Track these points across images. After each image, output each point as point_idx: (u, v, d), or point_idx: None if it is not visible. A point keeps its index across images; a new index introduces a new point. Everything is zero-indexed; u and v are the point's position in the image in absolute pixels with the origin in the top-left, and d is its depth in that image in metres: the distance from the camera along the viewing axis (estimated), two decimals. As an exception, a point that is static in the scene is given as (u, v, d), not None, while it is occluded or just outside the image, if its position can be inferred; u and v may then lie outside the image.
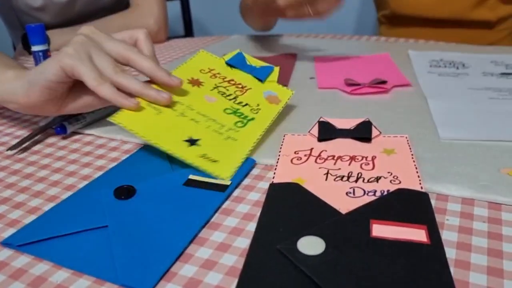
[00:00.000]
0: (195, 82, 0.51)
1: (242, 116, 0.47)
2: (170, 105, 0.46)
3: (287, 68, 0.71)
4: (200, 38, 1.01)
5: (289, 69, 0.71)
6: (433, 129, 0.48)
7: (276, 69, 0.55)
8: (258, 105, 0.49)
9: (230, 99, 0.49)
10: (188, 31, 1.49)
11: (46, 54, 0.62)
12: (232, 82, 0.52)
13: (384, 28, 1.05)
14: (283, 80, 0.65)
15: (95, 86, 0.44)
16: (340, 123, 0.48)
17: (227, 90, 0.50)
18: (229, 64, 0.55)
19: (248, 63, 0.55)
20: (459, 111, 0.52)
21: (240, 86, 0.52)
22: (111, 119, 0.43)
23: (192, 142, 0.42)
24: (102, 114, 0.55)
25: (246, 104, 0.49)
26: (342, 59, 0.75)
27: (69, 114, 0.55)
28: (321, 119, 0.48)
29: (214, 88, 0.50)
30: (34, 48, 0.61)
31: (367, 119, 0.47)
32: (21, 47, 0.95)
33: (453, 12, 0.93)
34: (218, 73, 0.53)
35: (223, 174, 0.39)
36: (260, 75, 0.53)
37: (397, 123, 0.50)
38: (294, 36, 0.97)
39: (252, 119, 0.47)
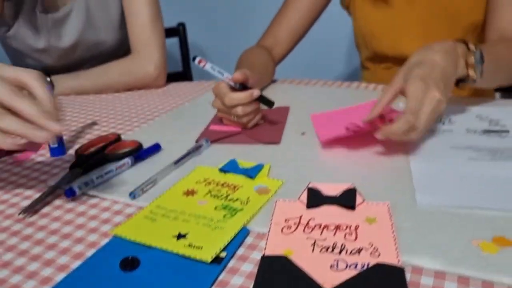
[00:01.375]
0: (190, 193, 0.55)
1: (232, 209, 0.51)
2: (164, 213, 0.50)
3: (279, 125, 0.75)
4: (197, 83, 1.06)
5: (281, 125, 0.75)
6: (413, 194, 0.52)
7: (266, 166, 0.59)
8: (248, 197, 0.53)
9: (221, 199, 0.53)
10: (186, 66, 1.54)
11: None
12: (225, 185, 0.56)
13: (367, 74, 1.10)
14: (275, 139, 0.69)
15: None
16: (328, 189, 0.52)
17: (219, 192, 0.55)
18: (223, 170, 0.59)
19: (240, 166, 0.60)
20: (438, 174, 0.56)
21: (232, 186, 0.56)
22: (112, 232, 0.47)
23: (180, 236, 0.46)
24: (109, 177, 0.59)
25: (237, 199, 0.53)
26: (338, 113, 0.78)
27: (76, 176, 0.59)
28: (310, 185, 0.53)
29: (207, 193, 0.55)
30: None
31: (352, 185, 0.52)
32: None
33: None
34: (213, 180, 0.57)
35: (205, 256, 0.42)
36: (251, 173, 0.58)
37: (380, 186, 0.54)
38: (287, 82, 1.02)
39: (241, 209, 0.51)
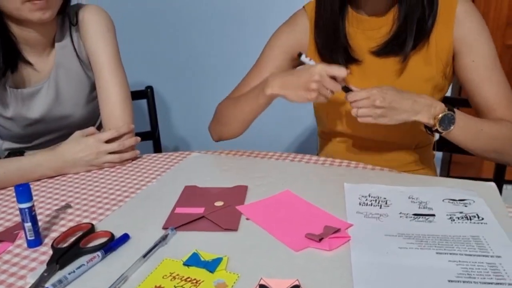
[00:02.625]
0: None
1: None
2: None
3: (236, 212, 0.82)
4: (164, 156, 1.13)
5: (238, 213, 0.82)
6: (350, 286, 0.61)
7: (225, 259, 0.68)
8: None
9: None
10: (154, 126, 1.62)
11: (31, 210, 0.73)
12: (188, 280, 0.64)
13: (324, 143, 1.21)
14: (233, 226, 0.77)
15: None
16: (276, 284, 0.61)
17: (183, 287, 0.63)
18: (187, 264, 0.67)
19: (202, 259, 0.68)
20: (374, 266, 0.65)
21: (194, 281, 0.64)
22: None
23: None
24: (81, 272, 0.66)
25: None
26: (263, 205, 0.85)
27: (53, 272, 0.66)
28: (261, 282, 0.61)
29: None
30: (21, 205, 0.72)
31: (297, 282, 0.61)
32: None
33: (381, 135, 1.10)
34: (177, 274, 0.65)
35: None
36: (211, 267, 0.66)
37: (323, 279, 0.63)
38: (246, 154, 1.11)
39: None
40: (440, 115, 0.93)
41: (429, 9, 0.99)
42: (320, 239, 0.71)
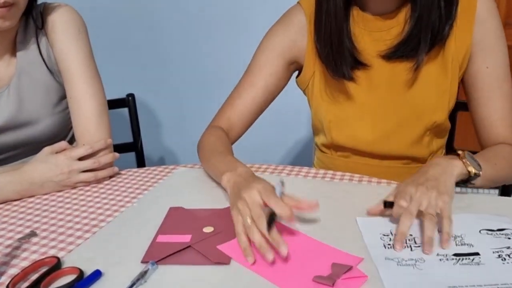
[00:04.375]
0: None
1: None
2: None
3: (229, 237, 0.71)
4: (147, 171, 1.02)
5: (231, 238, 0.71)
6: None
7: None
8: None
9: None
10: (136, 136, 1.50)
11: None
12: None
13: (323, 157, 1.09)
14: (225, 259, 0.66)
15: None
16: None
17: None
18: None
19: None
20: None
21: None
22: None
23: None
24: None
25: None
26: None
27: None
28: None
29: None
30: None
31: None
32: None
33: (391, 149, 0.99)
34: None
35: None
36: None
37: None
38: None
39: None
40: (466, 156, 0.80)
41: (446, 10, 0.87)
42: (333, 283, 0.59)
